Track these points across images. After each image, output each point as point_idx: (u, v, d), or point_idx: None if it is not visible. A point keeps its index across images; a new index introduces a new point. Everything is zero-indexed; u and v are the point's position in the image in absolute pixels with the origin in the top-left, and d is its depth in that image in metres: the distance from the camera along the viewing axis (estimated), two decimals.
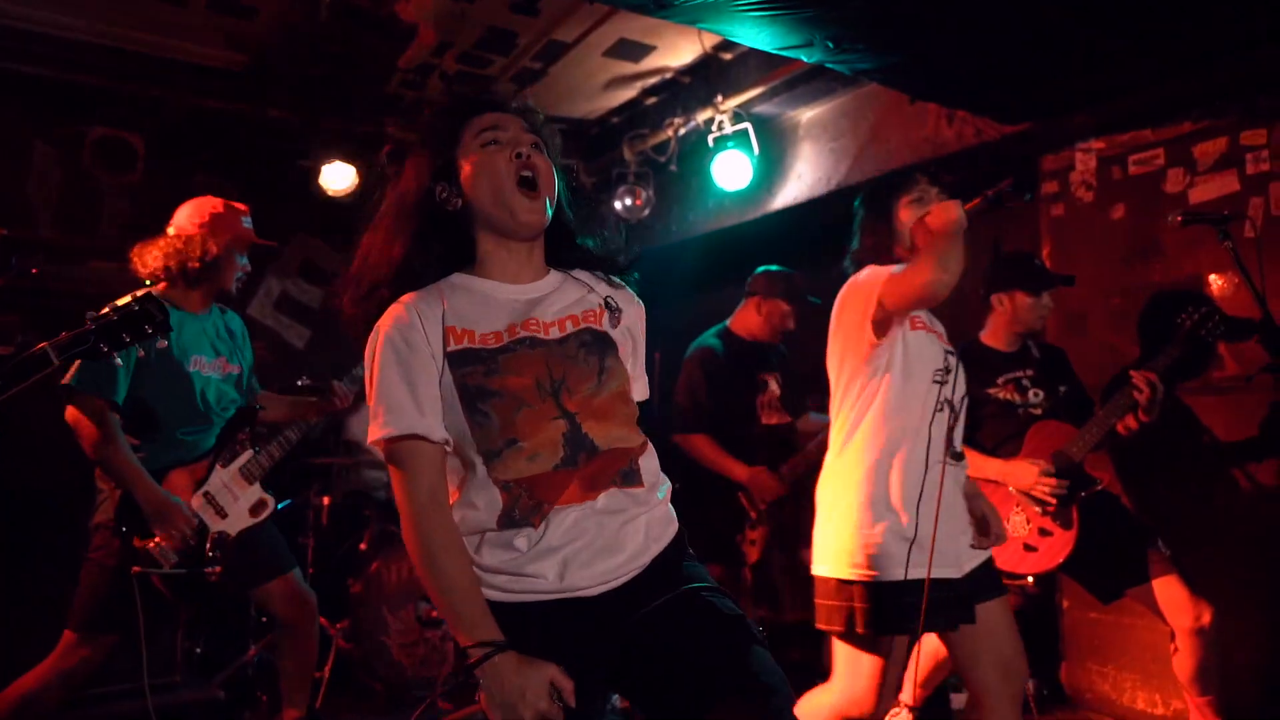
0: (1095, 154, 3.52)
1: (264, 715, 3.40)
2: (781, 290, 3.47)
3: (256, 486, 2.79)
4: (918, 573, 2.01)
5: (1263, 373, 2.38)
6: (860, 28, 2.57)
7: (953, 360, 2.19)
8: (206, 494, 2.67)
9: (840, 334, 2.27)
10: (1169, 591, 2.68)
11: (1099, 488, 2.73)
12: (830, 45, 2.62)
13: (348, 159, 4.54)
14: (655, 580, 1.46)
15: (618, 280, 1.63)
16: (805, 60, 2.90)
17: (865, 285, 2.18)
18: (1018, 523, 2.81)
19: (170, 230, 2.79)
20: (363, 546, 3.76)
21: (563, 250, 1.61)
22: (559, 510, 1.40)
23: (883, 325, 2.14)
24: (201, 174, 5.01)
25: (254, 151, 5.00)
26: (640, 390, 1.62)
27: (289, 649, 2.93)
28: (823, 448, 3.37)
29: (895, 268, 2.14)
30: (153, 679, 2.67)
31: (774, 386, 3.52)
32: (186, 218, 2.80)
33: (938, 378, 2.14)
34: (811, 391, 3.76)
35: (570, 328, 1.50)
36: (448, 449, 1.43)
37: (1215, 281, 3.16)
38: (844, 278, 2.36)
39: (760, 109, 4.47)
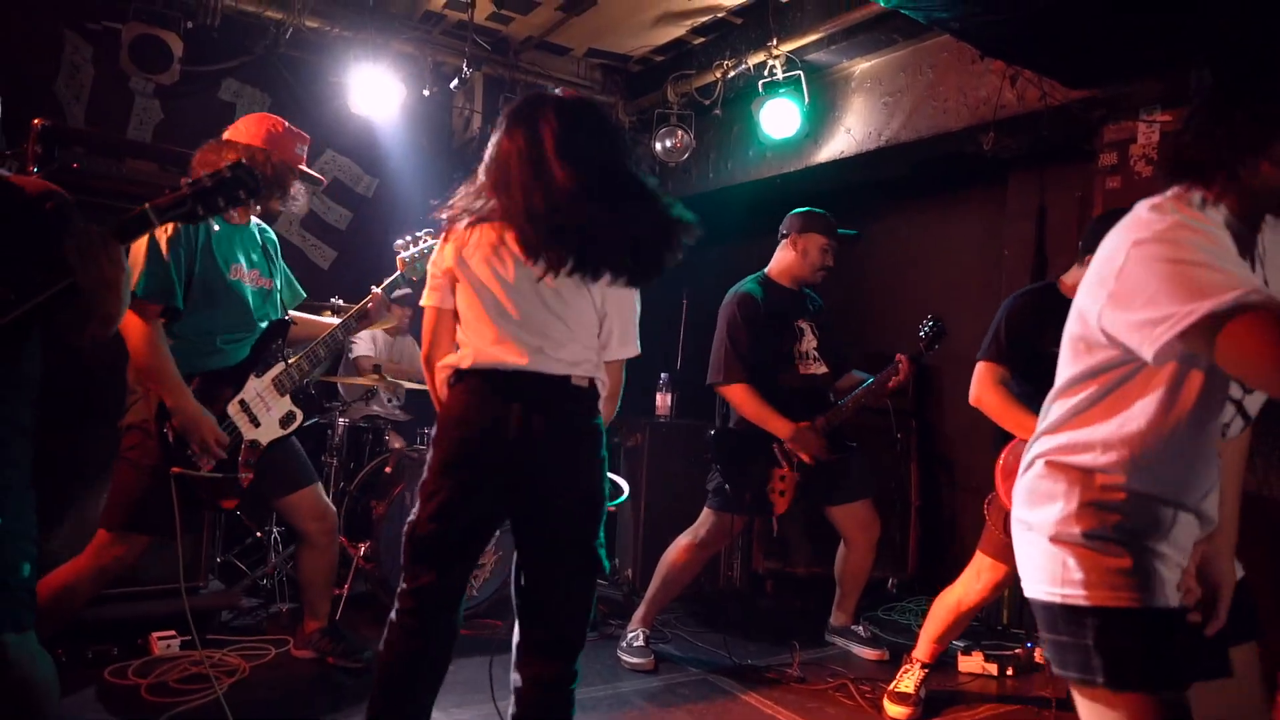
0: (1159, 126, 3.44)
1: (284, 625, 3.44)
2: (817, 225, 3.43)
3: (287, 399, 2.78)
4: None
5: None
6: None
7: None
8: (242, 402, 2.66)
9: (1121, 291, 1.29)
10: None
11: None
12: None
13: (384, 76, 4.42)
14: None
15: None
16: (880, 4, 2.80)
17: (1167, 283, 1.20)
18: None
19: (226, 136, 2.72)
20: (388, 470, 3.75)
21: None
22: None
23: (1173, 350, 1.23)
24: (234, 81, 4.91)
25: (287, 62, 4.88)
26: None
27: (309, 561, 2.98)
28: (859, 403, 3.37)
29: (1238, 269, 1.21)
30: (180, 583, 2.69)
31: (811, 335, 3.47)
32: (247, 131, 2.73)
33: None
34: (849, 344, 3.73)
35: None
36: None
37: None
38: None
39: (813, 57, 4.35)
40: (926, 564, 4.51)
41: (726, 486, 3.30)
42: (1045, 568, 1.41)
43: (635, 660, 3.30)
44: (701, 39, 4.77)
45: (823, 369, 3.46)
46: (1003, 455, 2.77)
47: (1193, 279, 1.17)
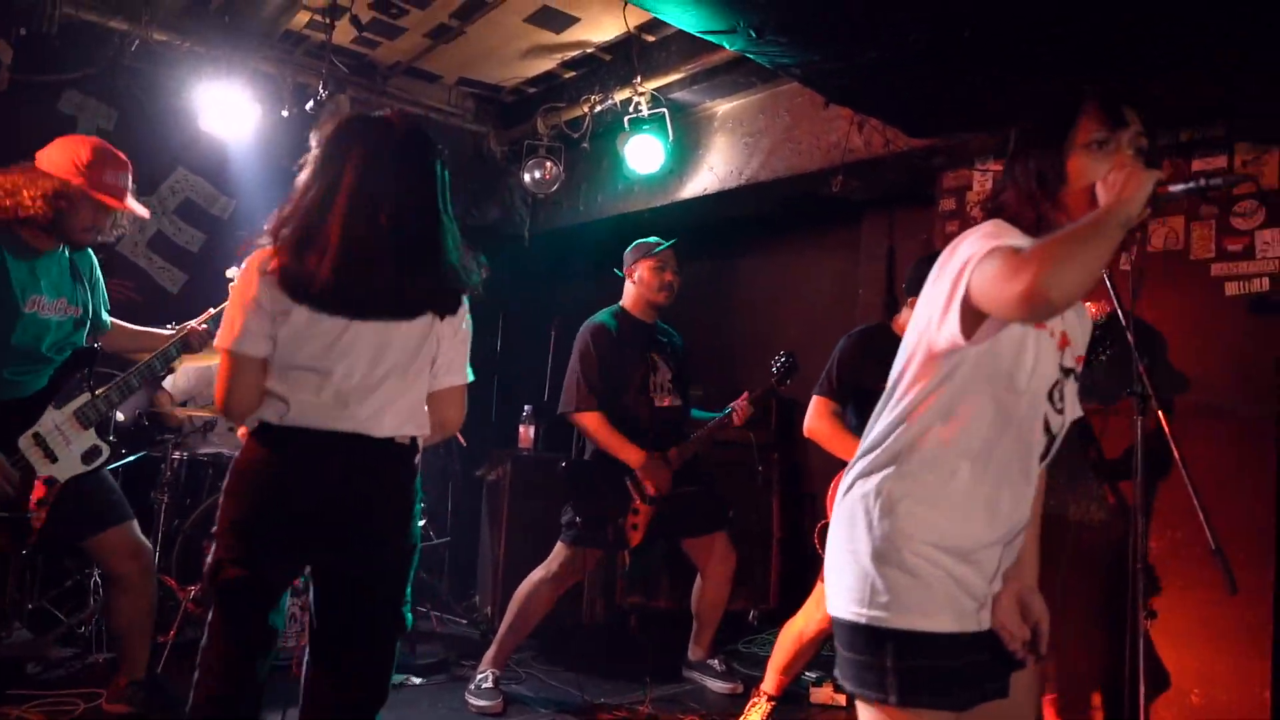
0: (992, 175, 3.66)
1: (101, 677, 3.17)
2: (639, 251, 3.53)
3: (91, 432, 2.59)
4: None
5: None
6: (784, 20, 2.56)
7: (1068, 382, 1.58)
8: (36, 435, 2.46)
9: (923, 303, 1.51)
10: None
11: None
12: (753, 34, 2.61)
13: (238, 95, 4.25)
14: None
15: None
16: (727, 47, 2.87)
17: (963, 253, 1.39)
18: None
19: (39, 160, 2.51)
20: None
21: None
22: None
23: (969, 320, 1.38)
24: (76, 93, 4.62)
25: (135, 75, 4.63)
26: None
27: (123, 606, 2.77)
28: (710, 436, 3.41)
29: (1010, 240, 1.38)
30: None
31: (665, 368, 3.50)
32: (58, 160, 2.51)
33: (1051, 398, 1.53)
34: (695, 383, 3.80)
35: None
36: None
37: (1089, 307, 3.33)
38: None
39: (678, 95, 4.44)
40: (788, 595, 4.57)
41: (578, 520, 3.26)
42: (854, 588, 1.45)
43: (482, 703, 3.20)
44: (572, 73, 4.80)
45: (678, 401, 3.49)
46: (833, 483, 2.85)
47: (1000, 237, 1.38)
